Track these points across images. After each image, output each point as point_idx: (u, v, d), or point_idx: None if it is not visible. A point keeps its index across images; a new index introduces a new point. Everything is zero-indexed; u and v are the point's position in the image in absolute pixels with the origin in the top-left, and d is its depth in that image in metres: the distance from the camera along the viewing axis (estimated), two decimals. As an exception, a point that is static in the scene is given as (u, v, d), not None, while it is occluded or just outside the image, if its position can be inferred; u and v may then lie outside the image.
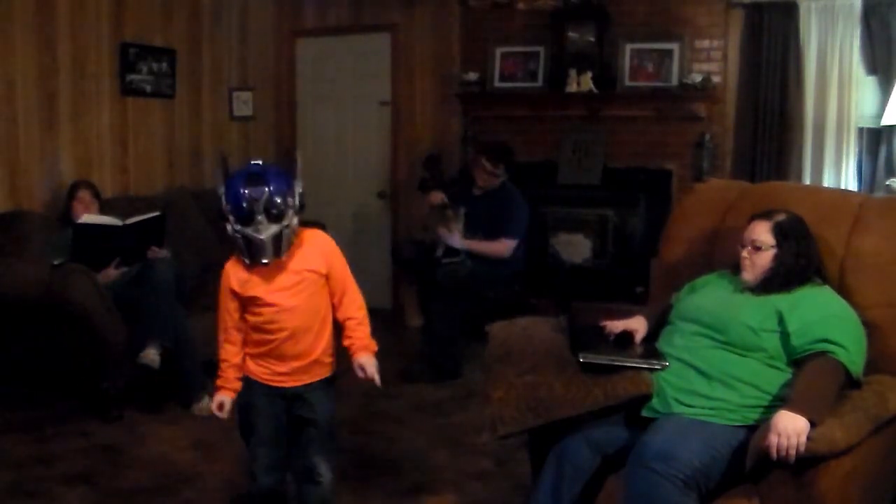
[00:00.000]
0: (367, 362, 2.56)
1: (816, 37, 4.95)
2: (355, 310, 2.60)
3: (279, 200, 2.38)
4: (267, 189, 2.37)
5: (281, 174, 2.45)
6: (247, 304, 2.52)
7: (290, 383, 2.55)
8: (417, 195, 5.78)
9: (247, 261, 2.45)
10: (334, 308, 2.59)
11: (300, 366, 2.54)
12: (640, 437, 2.30)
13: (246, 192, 2.36)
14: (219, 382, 2.59)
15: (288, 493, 2.71)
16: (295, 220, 2.45)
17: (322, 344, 2.57)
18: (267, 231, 2.38)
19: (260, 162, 2.49)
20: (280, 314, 2.49)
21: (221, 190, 2.42)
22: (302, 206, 2.48)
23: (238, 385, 2.58)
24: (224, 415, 2.56)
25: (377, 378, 2.57)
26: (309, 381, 2.57)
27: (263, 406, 2.56)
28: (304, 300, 2.51)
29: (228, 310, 2.55)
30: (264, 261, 2.42)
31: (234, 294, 2.52)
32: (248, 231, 2.38)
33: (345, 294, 2.59)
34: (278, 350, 2.53)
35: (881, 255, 2.55)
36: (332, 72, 6.42)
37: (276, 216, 2.38)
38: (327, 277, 2.56)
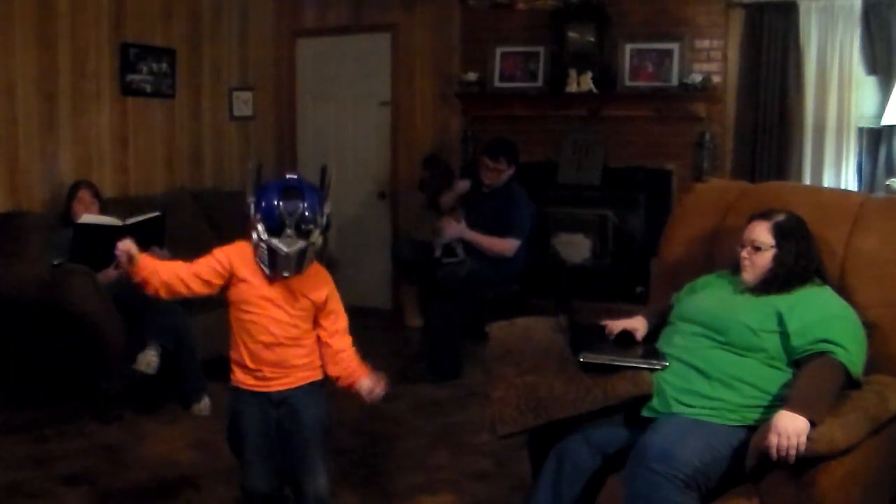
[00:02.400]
0: (374, 380, 2.58)
1: (816, 37, 4.95)
2: (347, 342, 2.61)
3: (310, 217, 2.40)
4: (302, 204, 2.39)
5: (315, 191, 2.46)
6: (232, 291, 2.51)
7: (274, 387, 2.54)
8: (417, 195, 5.79)
9: (267, 271, 2.45)
10: (326, 337, 2.59)
11: (281, 371, 2.53)
12: (640, 437, 2.30)
13: (280, 204, 2.37)
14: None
15: (287, 498, 2.70)
16: (320, 240, 2.46)
17: (301, 357, 2.55)
18: (293, 246, 2.39)
19: (295, 176, 2.49)
20: (262, 320, 2.49)
21: (251, 198, 2.43)
22: (327, 226, 2.48)
23: (146, 270, 2.49)
24: (123, 257, 2.47)
25: (385, 385, 2.60)
26: (295, 385, 2.55)
27: (252, 412, 2.55)
28: (290, 317, 2.51)
29: (205, 267, 2.51)
30: (285, 274, 2.43)
31: (223, 268, 2.50)
32: (275, 242, 2.38)
33: (335, 334, 2.59)
34: (257, 354, 2.51)
35: (881, 256, 2.55)
36: (332, 72, 6.42)
37: (304, 232, 2.40)
38: (321, 308, 2.56)
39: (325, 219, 2.46)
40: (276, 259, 2.40)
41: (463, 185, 5.23)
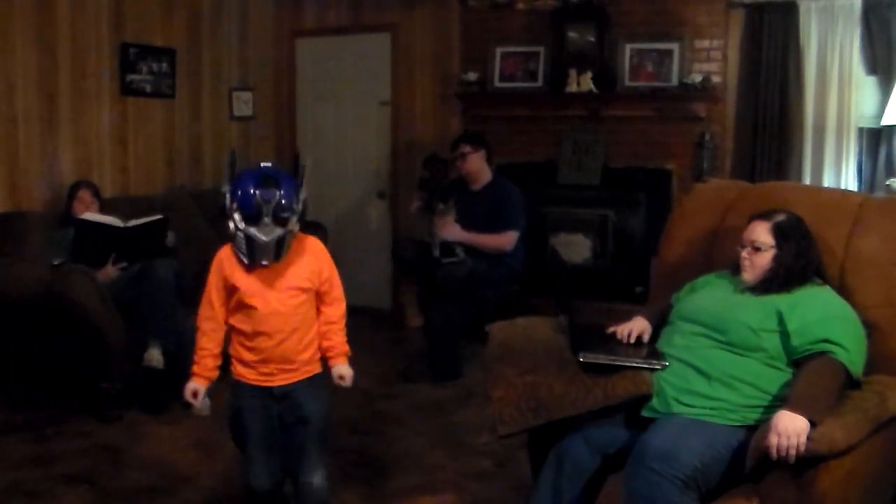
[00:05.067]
0: (346, 373, 2.62)
1: (816, 37, 4.95)
2: (339, 317, 2.64)
3: (287, 205, 2.41)
4: (278, 192, 2.40)
5: (291, 179, 2.48)
6: (232, 298, 2.53)
7: (277, 382, 2.55)
8: (418, 193, 5.78)
9: (245, 261, 2.46)
10: (319, 311, 2.62)
11: (285, 367, 2.55)
12: (640, 437, 2.30)
13: (257, 192, 2.38)
14: (195, 369, 2.57)
15: (286, 495, 2.71)
16: (297, 227, 2.48)
17: (306, 347, 2.57)
18: (271, 234, 2.40)
19: (270, 164, 2.50)
20: (266, 316, 2.50)
21: (227, 188, 2.44)
22: (304, 213, 2.50)
23: (214, 374, 2.57)
24: (198, 404, 2.56)
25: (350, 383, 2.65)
26: (296, 379, 2.57)
27: (254, 408, 2.56)
28: (292, 308, 2.52)
29: (216, 295, 2.56)
30: (264, 262, 2.44)
31: (224, 281, 2.53)
32: (252, 231, 2.39)
33: (332, 303, 2.63)
34: (262, 352, 2.53)
35: (881, 256, 2.55)
36: (332, 72, 6.42)
37: (282, 220, 2.41)
38: (322, 284, 2.59)
39: (300, 206, 2.47)
40: (254, 247, 2.42)
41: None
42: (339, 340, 2.63)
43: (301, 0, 6.44)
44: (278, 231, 2.41)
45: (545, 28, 5.61)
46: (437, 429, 4.01)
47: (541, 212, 5.59)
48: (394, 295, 6.26)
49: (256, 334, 2.51)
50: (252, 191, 2.38)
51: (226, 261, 2.54)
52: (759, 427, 2.18)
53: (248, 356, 2.55)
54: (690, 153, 5.30)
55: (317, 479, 2.57)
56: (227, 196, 2.43)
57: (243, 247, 2.43)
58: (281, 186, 2.41)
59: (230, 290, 2.53)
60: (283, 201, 2.40)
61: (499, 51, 5.78)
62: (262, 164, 2.48)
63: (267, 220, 2.38)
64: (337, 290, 2.64)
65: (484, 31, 5.83)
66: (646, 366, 2.46)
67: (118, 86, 5.29)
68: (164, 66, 5.58)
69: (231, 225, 2.43)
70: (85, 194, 4.50)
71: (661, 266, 3.12)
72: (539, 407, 2.40)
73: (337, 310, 2.64)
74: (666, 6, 5.31)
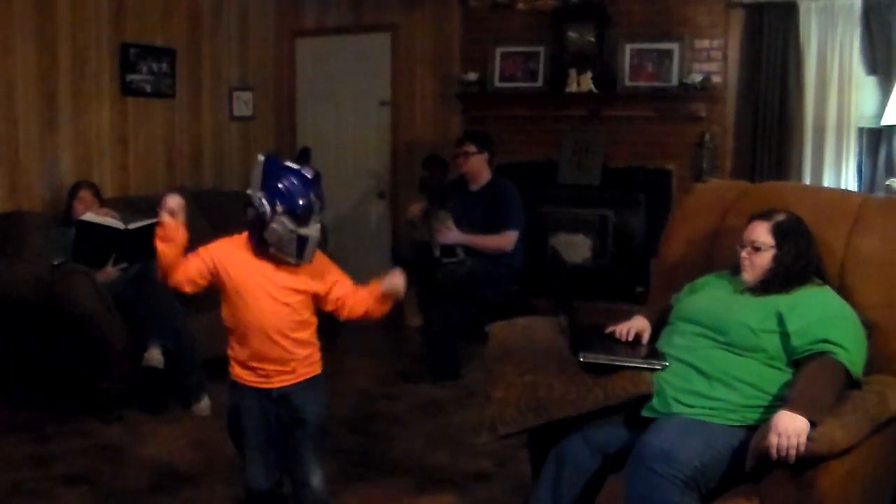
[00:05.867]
0: (394, 275, 2.64)
1: (816, 37, 4.95)
2: (354, 287, 2.65)
3: (324, 199, 2.49)
4: (321, 189, 2.47)
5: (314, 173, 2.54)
6: (228, 290, 2.51)
7: (274, 384, 2.54)
8: (417, 195, 5.79)
9: (292, 261, 2.46)
10: (343, 304, 2.61)
11: (281, 368, 2.54)
12: (640, 437, 2.30)
13: (311, 193, 2.42)
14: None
15: (286, 496, 2.71)
16: None
17: (301, 346, 2.56)
18: (318, 229, 2.46)
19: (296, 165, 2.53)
20: (255, 312, 2.48)
21: (260, 194, 2.40)
22: None
23: (177, 241, 2.50)
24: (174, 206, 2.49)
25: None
26: (294, 382, 2.56)
27: (252, 407, 2.56)
28: (283, 306, 2.51)
29: (190, 266, 2.50)
30: (309, 259, 2.48)
31: (212, 261, 2.50)
32: (304, 231, 2.42)
33: (348, 293, 2.63)
34: (254, 349, 2.51)
35: (881, 256, 2.55)
36: (332, 72, 6.43)
37: (319, 215, 2.47)
38: (325, 293, 2.58)
39: None
40: (307, 246, 2.44)
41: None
42: (369, 287, 2.64)
43: (301, 0, 6.44)
44: (319, 224, 2.47)
45: (545, 28, 5.62)
46: (437, 429, 4.01)
47: (541, 212, 5.59)
48: (394, 295, 6.25)
49: (246, 329, 2.50)
50: (306, 192, 2.42)
51: (229, 248, 2.52)
52: (759, 427, 2.18)
53: (242, 354, 2.54)
54: (690, 153, 5.30)
55: (315, 480, 2.56)
56: (264, 201, 2.40)
57: (293, 248, 2.43)
58: (319, 182, 2.48)
59: (214, 273, 2.50)
60: (322, 198, 2.47)
61: (499, 51, 5.78)
62: (293, 166, 2.47)
63: (316, 217, 2.44)
64: (346, 281, 2.65)
65: (484, 31, 5.84)
66: (646, 366, 2.45)
67: (118, 86, 5.29)
68: (164, 66, 5.59)
69: (278, 228, 2.40)
70: (86, 194, 4.49)
71: (661, 266, 3.12)
72: (539, 407, 2.40)
73: (351, 287, 2.64)
74: (666, 6, 5.32)
